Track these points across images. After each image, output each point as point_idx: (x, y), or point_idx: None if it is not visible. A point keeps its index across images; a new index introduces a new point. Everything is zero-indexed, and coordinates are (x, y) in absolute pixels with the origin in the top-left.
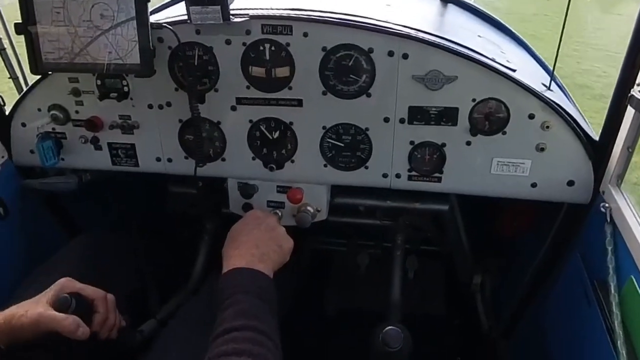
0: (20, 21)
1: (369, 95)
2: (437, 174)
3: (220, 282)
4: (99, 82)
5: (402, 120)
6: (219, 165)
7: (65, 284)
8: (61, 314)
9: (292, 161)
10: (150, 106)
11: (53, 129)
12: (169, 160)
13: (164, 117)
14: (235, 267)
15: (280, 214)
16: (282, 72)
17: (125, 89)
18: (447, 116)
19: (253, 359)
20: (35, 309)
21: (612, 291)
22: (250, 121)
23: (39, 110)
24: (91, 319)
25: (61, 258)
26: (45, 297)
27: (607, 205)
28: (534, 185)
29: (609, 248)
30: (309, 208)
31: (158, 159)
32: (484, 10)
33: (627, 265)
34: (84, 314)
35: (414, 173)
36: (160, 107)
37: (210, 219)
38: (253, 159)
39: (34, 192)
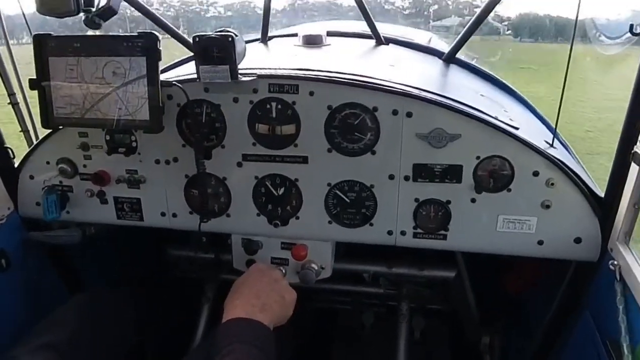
0: (34, 77)
1: (373, 153)
2: (442, 232)
3: (217, 332)
4: (108, 137)
5: (406, 178)
6: (224, 221)
7: None
8: None
9: (297, 217)
10: (157, 161)
11: (60, 182)
12: (174, 215)
13: (171, 172)
14: (234, 317)
15: (284, 270)
16: (288, 129)
17: (134, 144)
18: (452, 174)
19: None
20: None
21: (625, 351)
22: (256, 177)
23: (48, 163)
24: None
25: (61, 316)
26: None
27: (615, 262)
28: (540, 242)
29: (620, 307)
30: (313, 265)
31: (163, 214)
32: (485, 69)
33: None
34: None
35: (419, 230)
36: (167, 162)
37: (210, 284)
38: (258, 215)
39: (38, 245)
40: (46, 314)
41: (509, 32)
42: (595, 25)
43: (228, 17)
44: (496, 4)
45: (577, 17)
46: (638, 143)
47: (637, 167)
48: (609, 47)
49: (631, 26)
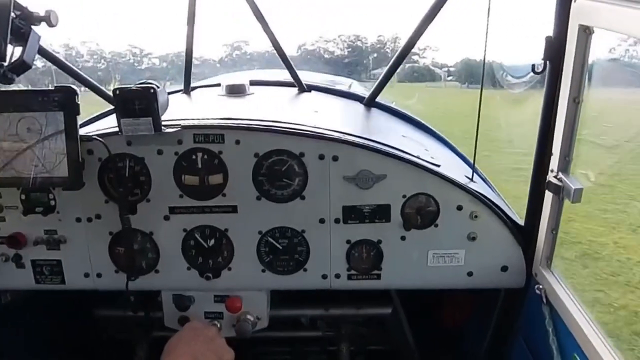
0: None
1: (302, 198)
2: (375, 271)
3: None
4: (23, 196)
5: (337, 220)
6: (153, 278)
7: None
8: None
9: (229, 269)
10: (78, 219)
11: None
12: (99, 275)
13: (93, 230)
14: None
15: (219, 325)
16: (215, 179)
17: (52, 202)
18: (380, 213)
19: None
20: None
21: None
22: (185, 230)
23: None
24: None
25: None
26: None
27: (541, 287)
28: (470, 274)
29: (549, 329)
30: (248, 317)
31: (86, 275)
32: (405, 111)
33: (569, 344)
34: None
35: (353, 272)
36: (89, 220)
37: (142, 345)
38: (188, 269)
39: None
40: None
41: (450, 78)
42: (502, 67)
43: (163, 69)
44: (409, 52)
45: (484, 61)
46: (550, 173)
47: (551, 195)
48: (515, 85)
49: (533, 66)
